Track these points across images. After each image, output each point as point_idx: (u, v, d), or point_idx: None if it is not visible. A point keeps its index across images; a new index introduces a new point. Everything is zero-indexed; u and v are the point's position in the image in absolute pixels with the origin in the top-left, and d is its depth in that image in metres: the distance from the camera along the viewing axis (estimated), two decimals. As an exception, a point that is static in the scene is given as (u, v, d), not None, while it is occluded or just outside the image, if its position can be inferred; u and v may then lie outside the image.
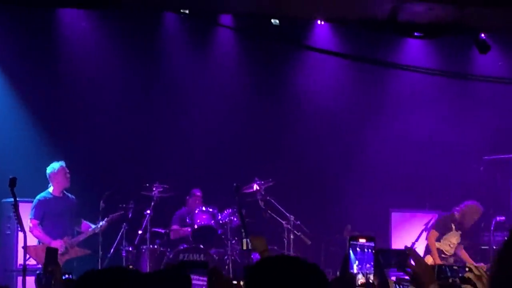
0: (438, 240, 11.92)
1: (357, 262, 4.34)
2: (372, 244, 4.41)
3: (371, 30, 10.24)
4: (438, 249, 11.89)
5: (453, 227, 11.98)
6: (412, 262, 4.43)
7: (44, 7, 11.69)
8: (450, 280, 4.46)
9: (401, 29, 8.44)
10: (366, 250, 4.29)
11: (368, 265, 4.28)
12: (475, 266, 4.43)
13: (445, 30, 8.69)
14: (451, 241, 11.98)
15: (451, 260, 11.89)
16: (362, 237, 4.42)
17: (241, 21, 13.26)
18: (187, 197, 12.85)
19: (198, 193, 12.83)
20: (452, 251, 12.00)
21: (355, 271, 4.28)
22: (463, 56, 13.24)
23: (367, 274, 4.21)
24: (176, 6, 9.61)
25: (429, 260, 11.59)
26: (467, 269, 4.43)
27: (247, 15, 12.34)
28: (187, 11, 11.54)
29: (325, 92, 14.03)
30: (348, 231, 12.97)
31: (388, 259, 4.24)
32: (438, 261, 11.67)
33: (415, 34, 8.61)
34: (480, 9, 8.23)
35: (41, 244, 11.09)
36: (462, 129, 13.67)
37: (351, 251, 4.50)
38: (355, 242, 4.51)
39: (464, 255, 12.09)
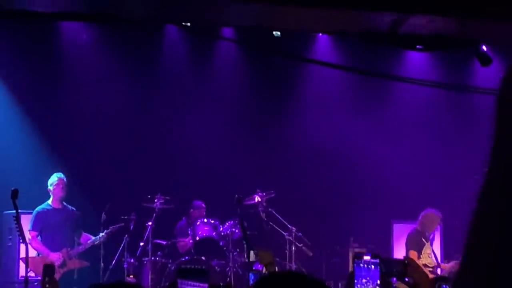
0: (419, 257, 12.04)
1: (362, 279, 4.33)
2: (377, 260, 4.41)
3: (372, 42, 10.24)
4: (422, 265, 12.00)
5: (423, 239, 12.13)
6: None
7: (45, 21, 11.69)
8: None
9: (403, 41, 8.44)
10: (371, 266, 4.28)
11: (373, 282, 4.27)
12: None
13: (447, 43, 8.69)
14: (428, 253, 12.17)
15: (438, 270, 12.07)
16: (367, 254, 4.41)
17: (243, 33, 13.27)
18: (191, 210, 12.80)
19: (203, 205, 12.80)
20: (434, 261, 12.14)
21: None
22: (465, 69, 13.23)
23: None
24: (177, 19, 9.62)
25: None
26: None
27: (249, 27, 12.35)
28: (188, 24, 11.54)
29: (327, 104, 14.04)
30: (350, 243, 12.97)
31: (389, 268, 4.24)
32: (431, 275, 11.83)
33: (417, 46, 8.60)
34: (482, 21, 8.22)
35: (39, 256, 11.10)
36: (464, 141, 13.67)
37: (356, 268, 4.49)
38: (360, 259, 4.50)
39: (442, 264, 12.31)
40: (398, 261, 4.54)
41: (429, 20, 8.14)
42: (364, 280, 4.32)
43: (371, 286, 4.29)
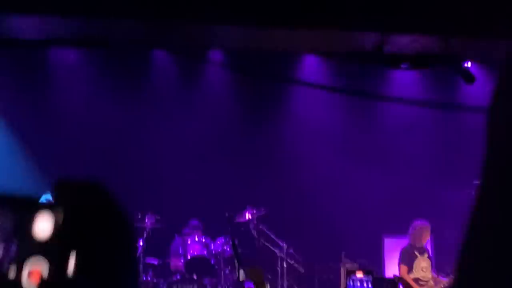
0: (411, 271, 12.02)
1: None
2: (370, 277, 4.40)
3: (358, 62, 10.29)
4: (414, 279, 11.98)
5: (416, 253, 12.12)
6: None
7: (33, 48, 11.71)
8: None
9: (388, 60, 8.47)
10: (364, 284, 4.28)
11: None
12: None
13: (432, 61, 8.73)
14: (422, 266, 12.10)
15: (431, 283, 12.05)
16: (359, 271, 4.41)
17: (230, 56, 13.30)
18: (186, 229, 12.71)
19: (201, 225, 12.72)
20: (428, 275, 12.13)
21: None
22: (451, 86, 13.25)
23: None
24: (164, 43, 9.66)
25: None
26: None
27: (236, 50, 12.39)
28: (175, 48, 11.60)
29: (315, 122, 14.05)
30: (342, 259, 12.95)
31: (380, 286, 4.24)
32: None
33: (402, 65, 8.63)
34: (464, 39, 8.27)
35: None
36: (453, 155, 13.73)
37: (349, 286, 4.49)
38: (353, 276, 4.50)
39: (437, 278, 12.25)
40: (388, 280, 4.54)
41: (412, 39, 8.18)
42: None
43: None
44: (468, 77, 8.72)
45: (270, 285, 11.84)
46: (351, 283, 4.20)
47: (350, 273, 4.36)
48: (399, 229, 12.93)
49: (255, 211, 12.34)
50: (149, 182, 13.27)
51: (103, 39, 8.67)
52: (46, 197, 11.32)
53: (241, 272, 8.55)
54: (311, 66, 13.66)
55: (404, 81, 13.49)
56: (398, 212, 13.32)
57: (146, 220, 11.99)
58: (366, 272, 4.21)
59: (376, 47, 8.12)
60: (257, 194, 13.18)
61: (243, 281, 8.67)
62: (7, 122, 12.91)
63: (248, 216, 12.28)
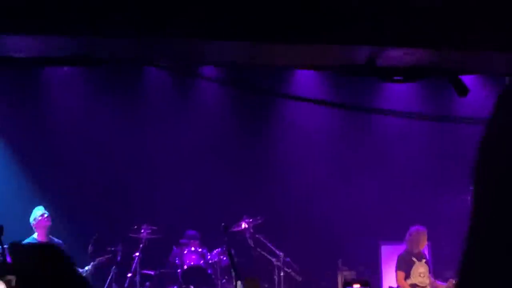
0: (408, 277, 12.00)
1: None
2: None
3: (351, 75, 10.29)
4: (411, 284, 11.97)
5: (414, 259, 12.09)
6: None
7: (26, 66, 11.74)
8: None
9: (381, 73, 8.46)
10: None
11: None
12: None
13: (424, 73, 8.72)
14: (420, 272, 12.09)
15: None
16: (356, 283, 4.40)
17: (222, 71, 13.32)
18: (183, 239, 12.65)
19: (198, 235, 12.67)
20: (426, 280, 12.13)
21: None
22: (444, 98, 13.22)
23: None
24: (156, 60, 9.67)
25: None
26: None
27: (228, 65, 12.41)
28: (168, 65, 11.58)
29: (310, 133, 14.06)
30: (339, 266, 12.94)
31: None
32: None
33: (395, 78, 8.62)
34: (457, 52, 8.27)
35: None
36: (448, 163, 13.76)
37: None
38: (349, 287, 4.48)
39: (435, 283, 12.27)
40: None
41: (405, 52, 8.18)
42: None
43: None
44: (462, 89, 8.71)
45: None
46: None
47: (347, 284, 4.35)
48: (396, 236, 12.92)
49: (251, 220, 12.32)
50: (144, 192, 13.26)
51: (96, 57, 8.66)
52: (39, 210, 11.35)
53: (239, 283, 8.52)
54: (303, 80, 13.70)
55: (397, 93, 13.52)
56: (394, 219, 13.31)
57: (142, 231, 11.96)
58: (363, 284, 4.20)
59: (368, 60, 8.10)
60: (253, 203, 13.16)
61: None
62: (2, 139, 12.91)
63: (244, 225, 12.26)
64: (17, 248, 2.51)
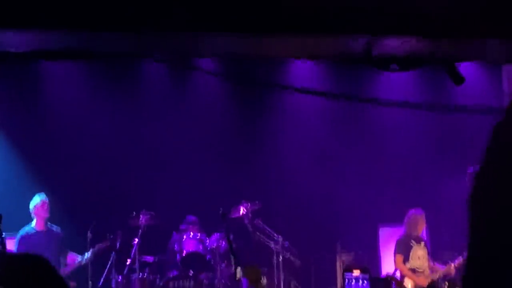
0: (407, 260, 12.05)
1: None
2: (366, 275, 4.41)
3: (347, 65, 10.29)
4: (410, 268, 12.02)
5: (412, 242, 12.14)
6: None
7: (23, 60, 11.75)
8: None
9: (377, 63, 8.45)
10: (361, 282, 4.28)
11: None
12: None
13: (421, 62, 8.71)
14: (418, 255, 12.13)
15: (427, 272, 12.09)
16: (356, 269, 4.42)
17: (219, 63, 13.33)
18: (183, 225, 12.67)
19: (197, 220, 12.70)
20: (424, 263, 12.17)
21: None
22: (441, 86, 13.21)
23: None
24: (153, 53, 9.67)
25: (409, 283, 11.75)
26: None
27: (225, 57, 12.41)
28: (165, 58, 11.59)
29: (308, 121, 14.06)
30: (337, 249, 12.99)
31: (372, 285, 4.24)
32: (417, 280, 11.84)
33: (391, 67, 8.60)
34: (454, 40, 8.27)
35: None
36: (446, 143, 13.82)
37: (347, 286, 4.48)
38: (349, 275, 4.50)
39: (434, 266, 12.29)
40: (382, 279, 4.56)
41: (402, 41, 8.17)
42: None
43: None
44: (457, 78, 8.70)
45: (266, 279, 11.87)
46: (348, 281, 4.20)
47: (347, 270, 4.36)
48: (394, 218, 12.98)
49: (249, 205, 12.34)
50: (142, 178, 13.29)
51: (93, 51, 8.66)
52: (39, 197, 11.38)
53: (238, 270, 8.56)
54: (300, 71, 13.67)
55: (394, 83, 13.49)
56: (393, 202, 13.36)
57: (141, 218, 11.98)
58: (363, 270, 4.21)
59: (365, 50, 8.10)
60: (251, 188, 13.20)
61: (240, 279, 8.68)
62: (1, 130, 12.93)
63: (242, 210, 12.28)
64: (3, 258, 2.54)
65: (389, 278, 4.33)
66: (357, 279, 4.26)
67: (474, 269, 1.61)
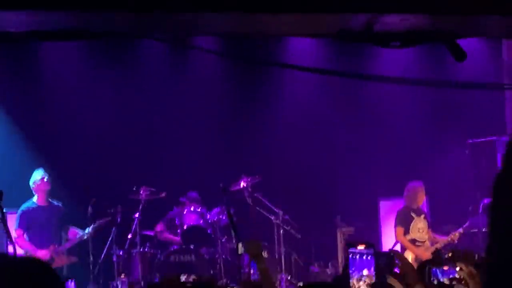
0: (407, 232, 12.10)
1: (357, 271, 4.32)
2: (371, 250, 4.40)
3: (347, 42, 10.22)
4: (410, 240, 12.07)
5: (413, 214, 12.18)
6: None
7: (21, 40, 11.72)
8: (436, 282, 4.47)
9: (378, 39, 8.39)
10: (365, 257, 4.27)
11: (368, 271, 4.27)
12: (466, 266, 4.42)
13: (422, 38, 8.65)
14: (418, 227, 12.19)
15: (427, 244, 12.14)
16: (361, 244, 4.39)
17: (218, 41, 13.29)
18: (184, 200, 12.66)
19: (198, 196, 12.69)
20: (425, 235, 12.24)
21: (355, 279, 4.26)
22: (442, 63, 13.13)
23: (367, 280, 4.20)
24: (151, 32, 9.63)
25: (409, 255, 11.79)
26: (457, 268, 4.44)
27: (224, 35, 12.36)
28: (163, 37, 11.54)
29: (308, 97, 14.02)
30: (338, 223, 13.03)
31: (376, 260, 4.24)
32: (418, 252, 11.88)
33: (392, 43, 8.56)
34: (454, 16, 8.21)
35: (27, 254, 11.05)
36: (445, 115, 13.83)
37: (350, 260, 4.47)
38: (354, 250, 4.48)
39: (435, 238, 12.33)
40: (384, 254, 4.56)
41: (402, 17, 8.12)
42: (359, 273, 4.30)
43: (367, 277, 4.28)
44: (459, 54, 8.67)
45: (267, 252, 11.91)
46: (351, 255, 4.20)
47: (351, 245, 4.35)
48: (394, 192, 13.01)
49: (249, 179, 12.33)
50: (142, 154, 13.30)
51: (93, 31, 8.62)
52: (39, 172, 11.39)
53: (240, 245, 8.58)
54: (299, 48, 13.62)
55: (395, 60, 13.42)
56: (392, 175, 13.37)
57: (141, 192, 11.99)
58: (367, 245, 4.21)
59: (365, 27, 8.05)
60: (251, 162, 13.21)
61: (241, 254, 8.71)
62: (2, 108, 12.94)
63: (242, 184, 12.28)
64: (2, 261, 2.53)
65: (393, 253, 4.34)
66: (361, 253, 4.25)
67: (493, 273, 1.63)
